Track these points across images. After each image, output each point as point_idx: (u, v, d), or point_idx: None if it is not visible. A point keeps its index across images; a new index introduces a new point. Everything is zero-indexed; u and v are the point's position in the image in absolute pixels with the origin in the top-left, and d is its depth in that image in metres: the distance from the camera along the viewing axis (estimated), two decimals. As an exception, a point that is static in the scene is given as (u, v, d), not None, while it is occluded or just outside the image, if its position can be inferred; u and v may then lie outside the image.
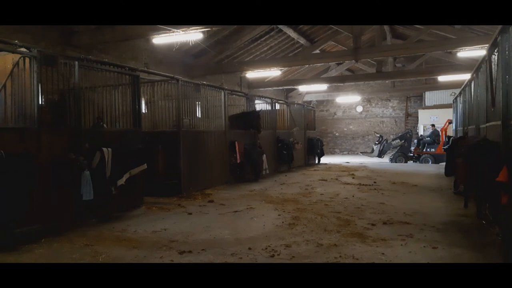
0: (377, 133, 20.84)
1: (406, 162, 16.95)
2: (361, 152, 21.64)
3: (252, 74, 15.54)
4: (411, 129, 20.56)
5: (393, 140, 18.29)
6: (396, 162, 17.02)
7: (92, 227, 5.50)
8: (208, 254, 4.27)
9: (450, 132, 14.95)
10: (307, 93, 21.45)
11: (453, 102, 13.96)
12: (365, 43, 17.09)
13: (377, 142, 19.28)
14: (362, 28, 11.99)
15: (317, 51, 16.72)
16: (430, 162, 16.55)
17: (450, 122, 17.30)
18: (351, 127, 24.07)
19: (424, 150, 16.85)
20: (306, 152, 15.66)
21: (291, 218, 5.93)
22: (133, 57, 11.38)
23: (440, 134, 16.54)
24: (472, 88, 7.95)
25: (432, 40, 14.26)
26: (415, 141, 17.51)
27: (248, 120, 10.85)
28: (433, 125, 17.65)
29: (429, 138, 16.98)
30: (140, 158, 6.56)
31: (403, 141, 17.47)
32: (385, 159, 18.38)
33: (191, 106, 9.24)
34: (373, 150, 19.37)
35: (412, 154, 17.08)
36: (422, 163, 16.61)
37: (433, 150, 16.74)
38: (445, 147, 9.20)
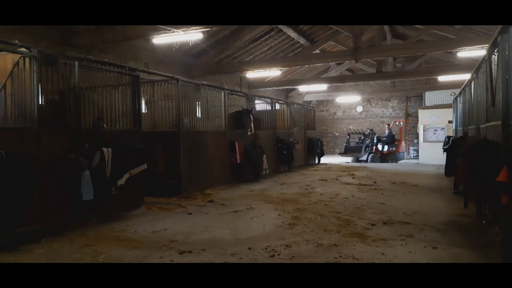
0: (354, 130, 19.83)
1: (380, 161, 17.42)
2: (340, 153, 19.87)
3: (252, 74, 15.54)
4: (374, 127, 20.43)
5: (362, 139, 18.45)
6: (372, 162, 17.25)
7: (92, 227, 5.50)
8: (208, 254, 4.27)
9: (450, 132, 14.96)
10: (307, 93, 21.44)
11: (453, 102, 13.95)
12: (365, 43, 17.09)
13: (353, 141, 18.68)
14: (362, 28, 11.99)
15: (317, 51, 16.71)
16: (395, 161, 17.33)
17: (398, 122, 18.58)
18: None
19: (386, 149, 17.48)
20: (306, 152, 15.66)
21: (291, 218, 5.93)
22: (133, 57, 11.38)
23: (392, 134, 17.80)
24: (472, 88, 7.95)
25: (432, 40, 14.25)
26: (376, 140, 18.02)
27: (240, 119, 10.77)
28: (388, 125, 18.61)
29: (386, 138, 17.68)
30: (140, 158, 6.56)
31: (369, 140, 17.90)
32: (348, 158, 18.40)
33: (191, 106, 9.24)
34: (346, 150, 18.62)
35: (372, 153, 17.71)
36: (388, 162, 17.23)
37: (393, 149, 17.55)
38: (445, 147, 9.21)
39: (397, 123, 19.15)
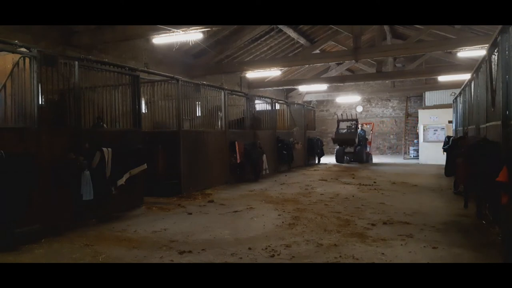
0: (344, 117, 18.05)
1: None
2: (332, 139, 17.95)
3: (252, 74, 15.54)
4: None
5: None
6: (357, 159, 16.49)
7: (92, 227, 5.51)
8: (208, 254, 4.27)
9: (450, 132, 14.97)
10: (307, 93, 21.44)
11: (453, 102, 13.95)
12: (365, 43, 17.07)
13: (343, 128, 17.34)
14: (362, 28, 11.99)
15: (317, 51, 16.71)
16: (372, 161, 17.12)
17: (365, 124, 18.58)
18: (340, 114, 23.83)
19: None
20: (306, 152, 15.65)
21: (291, 218, 5.93)
22: (133, 57, 11.38)
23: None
24: (472, 88, 7.95)
25: (432, 40, 14.25)
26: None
27: None
28: (361, 125, 18.33)
29: (361, 138, 17.16)
30: (140, 158, 6.56)
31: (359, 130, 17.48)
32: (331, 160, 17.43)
33: (191, 106, 9.23)
34: (338, 137, 16.91)
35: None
36: (368, 161, 16.89)
37: (367, 150, 17.40)
38: (445, 147, 9.20)
39: (365, 125, 18.73)
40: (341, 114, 19.12)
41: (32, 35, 8.37)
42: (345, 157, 16.68)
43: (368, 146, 17.60)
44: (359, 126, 17.81)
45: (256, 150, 10.90)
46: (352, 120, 17.60)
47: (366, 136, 17.69)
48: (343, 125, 17.93)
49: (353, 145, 16.52)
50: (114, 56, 10.55)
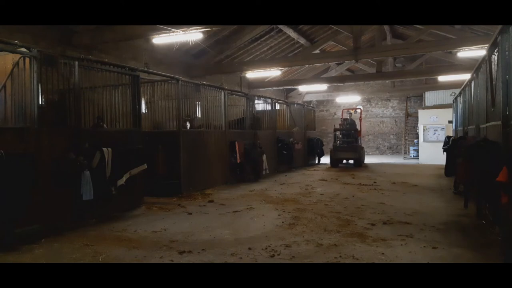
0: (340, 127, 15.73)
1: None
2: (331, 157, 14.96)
3: (252, 74, 15.53)
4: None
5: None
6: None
7: (92, 227, 5.50)
8: (208, 254, 4.27)
9: (450, 132, 14.97)
10: (307, 93, 21.44)
11: (453, 102, 13.96)
12: (365, 43, 17.08)
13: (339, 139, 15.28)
14: (362, 28, 11.99)
15: (317, 51, 16.69)
16: None
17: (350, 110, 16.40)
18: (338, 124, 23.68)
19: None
20: (306, 152, 15.64)
21: (291, 218, 5.93)
22: (133, 57, 11.38)
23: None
24: (472, 88, 7.95)
25: (432, 40, 14.25)
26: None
27: None
28: (350, 114, 16.37)
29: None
30: (140, 158, 6.56)
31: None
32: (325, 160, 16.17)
33: (191, 106, 9.22)
34: (337, 150, 14.79)
35: None
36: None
37: (359, 142, 15.66)
38: (445, 147, 9.21)
39: (351, 111, 16.63)
40: (339, 124, 16.24)
41: (32, 35, 8.37)
42: (342, 160, 15.17)
43: (359, 138, 15.51)
44: (349, 115, 15.97)
45: (256, 150, 10.90)
46: (350, 128, 15.31)
47: (356, 127, 15.51)
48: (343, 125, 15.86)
49: (355, 158, 14.85)
50: (114, 56, 10.54)
